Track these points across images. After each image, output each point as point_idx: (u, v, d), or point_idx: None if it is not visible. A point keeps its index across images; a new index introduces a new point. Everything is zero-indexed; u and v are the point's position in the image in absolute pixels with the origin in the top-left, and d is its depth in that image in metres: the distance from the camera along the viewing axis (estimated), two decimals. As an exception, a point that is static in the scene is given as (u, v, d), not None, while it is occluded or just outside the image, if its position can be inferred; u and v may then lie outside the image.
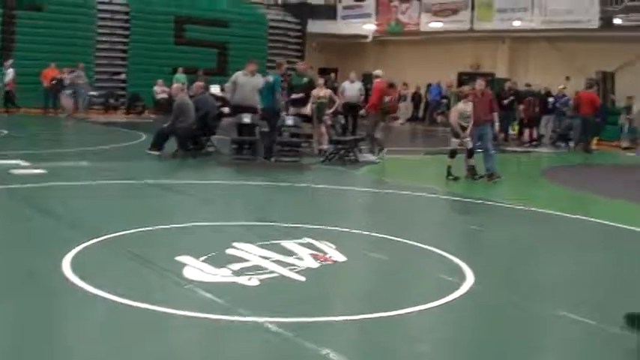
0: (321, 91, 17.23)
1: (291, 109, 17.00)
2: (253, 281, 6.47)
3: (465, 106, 13.93)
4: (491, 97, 15.09)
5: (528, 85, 24.86)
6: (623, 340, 5.36)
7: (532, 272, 7.65)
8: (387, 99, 17.26)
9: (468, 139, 13.80)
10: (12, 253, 7.30)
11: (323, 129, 17.11)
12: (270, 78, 15.85)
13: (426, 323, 5.95)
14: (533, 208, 11.25)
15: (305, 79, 17.57)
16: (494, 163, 14.08)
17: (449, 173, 13.86)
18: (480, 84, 14.80)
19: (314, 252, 7.55)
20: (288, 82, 18.34)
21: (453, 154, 13.99)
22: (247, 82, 15.74)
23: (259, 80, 15.70)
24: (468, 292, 6.56)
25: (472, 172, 13.99)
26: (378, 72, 17.70)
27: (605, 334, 5.73)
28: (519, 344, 5.56)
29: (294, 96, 17.12)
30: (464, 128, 13.75)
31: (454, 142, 13.88)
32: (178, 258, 7.00)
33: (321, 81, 17.93)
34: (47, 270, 6.64)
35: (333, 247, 7.80)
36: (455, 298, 6.36)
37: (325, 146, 16.68)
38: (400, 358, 5.18)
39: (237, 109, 15.69)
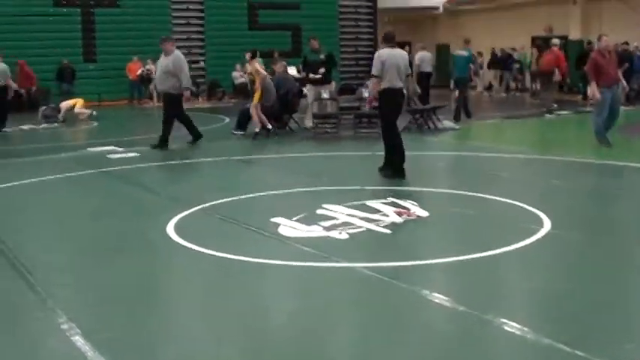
0: (248, 67, 16.15)
1: (309, 87, 16.55)
2: (343, 235, 6.95)
3: None
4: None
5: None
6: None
7: (612, 216, 7.88)
8: None
9: None
10: (120, 223, 7.96)
11: (253, 110, 15.26)
12: (465, 52, 18.02)
13: (511, 263, 6.31)
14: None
15: (321, 56, 16.53)
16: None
17: None
18: (605, 40, 13.02)
19: (398, 209, 7.96)
20: (304, 60, 17.21)
21: None
22: (158, 63, 14.62)
23: (169, 60, 13.96)
24: (547, 235, 6.88)
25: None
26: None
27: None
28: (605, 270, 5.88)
29: (312, 76, 16.33)
30: None
31: None
32: (272, 219, 7.53)
33: (247, 55, 16.18)
34: (155, 234, 7.27)
35: (416, 204, 8.21)
36: (535, 240, 6.71)
37: (257, 129, 15.10)
38: (493, 293, 5.51)
39: None
